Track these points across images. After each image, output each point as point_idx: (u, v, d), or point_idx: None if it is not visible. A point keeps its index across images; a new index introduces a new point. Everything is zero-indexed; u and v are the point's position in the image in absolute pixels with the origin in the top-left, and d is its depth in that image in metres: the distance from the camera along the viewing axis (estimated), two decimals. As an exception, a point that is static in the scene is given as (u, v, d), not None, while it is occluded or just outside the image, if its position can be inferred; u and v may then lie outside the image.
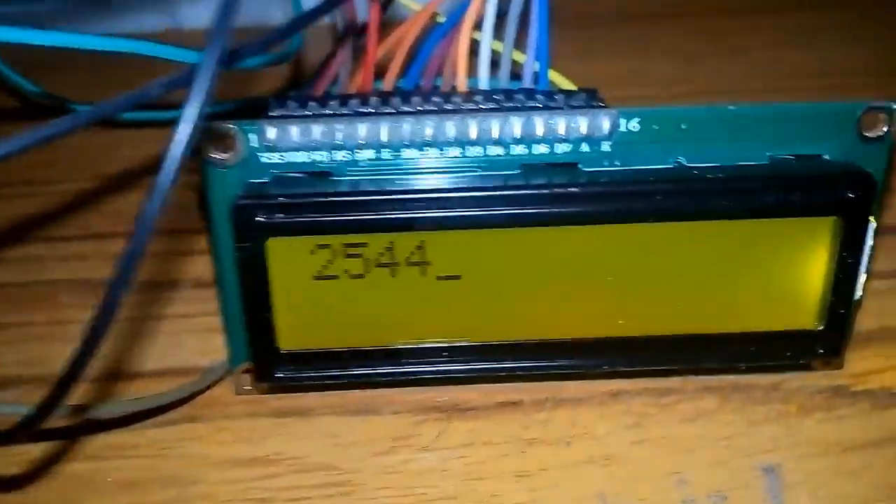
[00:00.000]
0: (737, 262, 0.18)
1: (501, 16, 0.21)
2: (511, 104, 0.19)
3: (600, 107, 0.19)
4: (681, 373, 0.20)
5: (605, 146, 0.18)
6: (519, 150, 0.18)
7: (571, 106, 0.19)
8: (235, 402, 0.20)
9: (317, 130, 0.17)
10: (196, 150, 0.17)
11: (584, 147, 0.18)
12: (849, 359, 0.20)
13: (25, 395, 0.20)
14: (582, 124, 0.18)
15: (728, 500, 0.17)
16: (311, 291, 0.18)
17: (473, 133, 0.18)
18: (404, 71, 0.22)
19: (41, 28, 0.17)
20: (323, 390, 0.20)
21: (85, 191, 0.29)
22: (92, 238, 0.26)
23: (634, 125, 0.18)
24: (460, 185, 0.17)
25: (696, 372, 0.20)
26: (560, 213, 0.17)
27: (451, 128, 0.18)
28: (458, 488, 0.18)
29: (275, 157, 0.18)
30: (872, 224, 0.18)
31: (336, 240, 0.17)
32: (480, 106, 0.19)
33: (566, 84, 0.23)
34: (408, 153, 0.18)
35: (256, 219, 0.17)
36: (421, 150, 0.18)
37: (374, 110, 0.19)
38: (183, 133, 0.11)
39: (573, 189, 0.17)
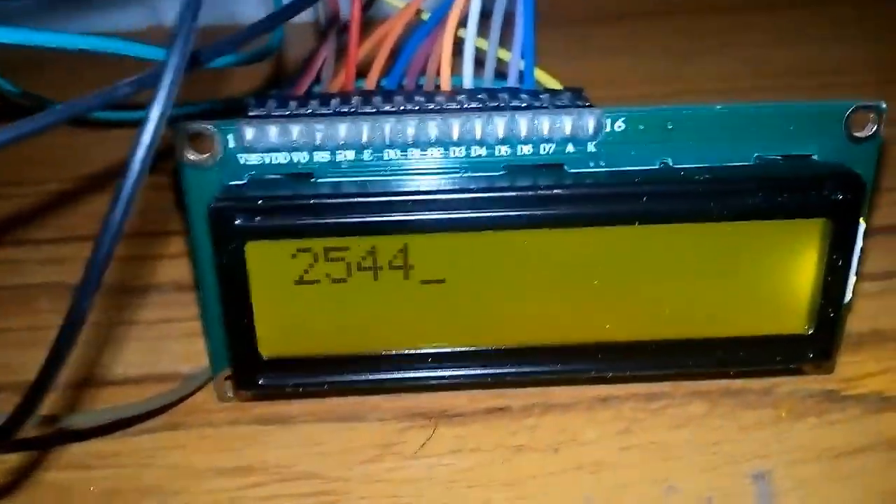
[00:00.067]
0: (725, 265, 0.18)
1: (487, 14, 0.21)
2: (495, 104, 0.19)
3: (585, 106, 0.19)
4: (669, 378, 0.20)
5: (591, 146, 0.18)
6: (503, 150, 0.18)
7: (556, 105, 0.19)
8: (218, 409, 0.20)
9: (296, 131, 0.17)
10: (171, 152, 0.17)
11: (570, 147, 0.18)
12: (840, 362, 0.20)
13: (4, 402, 0.20)
14: (566, 124, 0.17)
15: (718, 507, 0.17)
16: (292, 296, 0.18)
17: (456, 133, 0.17)
18: (388, 69, 0.22)
19: (13, 25, 0.16)
20: (307, 397, 0.20)
21: (63, 192, 0.29)
22: (71, 241, 0.26)
23: (620, 125, 0.17)
24: (444, 187, 0.17)
25: (685, 377, 0.20)
26: (545, 216, 0.17)
27: (433, 128, 0.17)
28: (445, 496, 0.17)
29: (253, 159, 0.17)
30: (862, 225, 0.17)
31: (317, 243, 0.17)
32: (464, 105, 0.19)
33: (552, 83, 0.23)
34: (390, 154, 0.17)
35: (235, 222, 0.17)
36: (403, 150, 0.17)
37: (355, 110, 0.19)
38: (147, 135, 0.11)
39: (558, 191, 0.17)
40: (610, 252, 0.18)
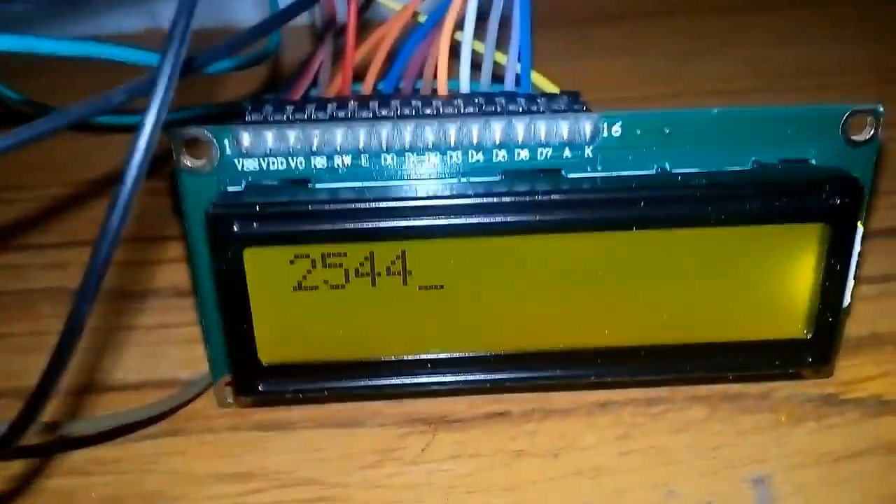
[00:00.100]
0: (723, 269, 0.18)
1: (484, 16, 0.21)
2: (492, 108, 0.19)
3: (582, 111, 0.19)
4: (668, 382, 0.20)
5: (588, 151, 0.18)
6: (500, 155, 0.17)
7: (553, 110, 0.19)
8: (218, 415, 0.20)
9: (293, 136, 0.17)
10: (169, 156, 0.17)
11: (567, 152, 0.18)
12: (839, 366, 0.20)
13: (5, 408, 0.20)
14: (563, 129, 0.17)
15: (717, 511, 0.17)
16: (291, 302, 0.18)
17: (453, 139, 0.17)
18: (384, 72, 0.22)
19: (10, 32, 0.16)
20: (306, 403, 0.20)
21: (65, 197, 0.29)
22: (72, 245, 0.26)
23: (617, 129, 0.17)
24: (441, 193, 0.17)
25: (684, 381, 0.20)
26: (543, 221, 0.17)
27: (430, 133, 0.17)
28: (445, 502, 0.17)
29: (251, 164, 0.17)
30: (860, 230, 0.17)
31: (315, 249, 0.17)
32: (461, 110, 0.19)
33: (549, 86, 0.23)
34: (387, 159, 0.17)
35: (233, 228, 0.17)
36: (400, 156, 0.17)
37: (352, 115, 0.19)
38: (142, 142, 0.11)
39: (556, 196, 0.17)
40: (608, 257, 0.17)
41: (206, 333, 0.19)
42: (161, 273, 0.24)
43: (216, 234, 0.17)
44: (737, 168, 0.18)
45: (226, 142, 0.17)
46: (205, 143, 0.17)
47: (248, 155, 0.17)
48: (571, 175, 0.18)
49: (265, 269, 0.17)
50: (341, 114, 0.19)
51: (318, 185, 0.17)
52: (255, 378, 0.18)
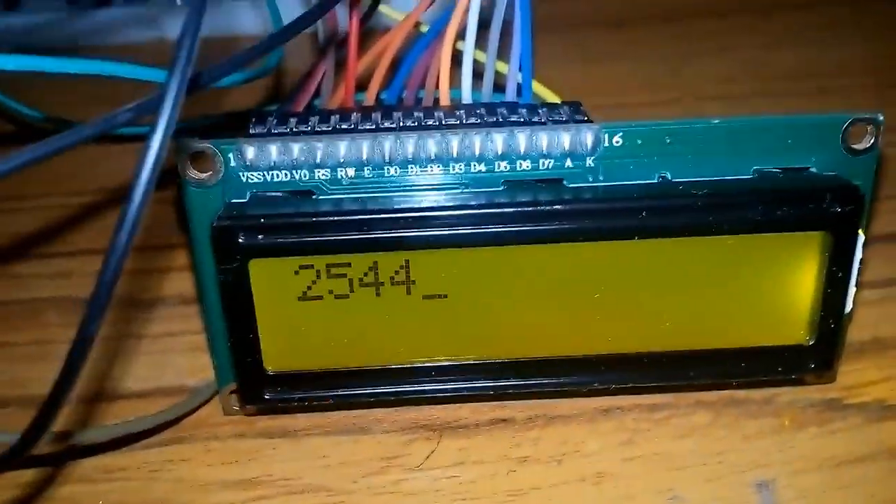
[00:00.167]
0: (725, 278, 0.18)
1: (486, 25, 0.21)
2: (493, 119, 0.19)
3: (583, 121, 0.19)
4: (671, 389, 0.20)
5: (589, 161, 0.18)
6: (502, 166, 0.18)
7: (554, 120, 0.19)
8: (223, 423, 0.20)
9: (296, 149, 0.17)
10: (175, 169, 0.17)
11: (568, 162, 0.18)
12: (841, 371, 0.20)
13: (11, 417, 0.20)
14: (565, 139, 0.17)
15: (721, 517, 0.17)
16: (296, 312, 0.18)
17: (455, 150, 0.17)
18: (387, 82, 0.22)
19: (20, 44, 0.16)
20: (312, 411, 0.20)
21: (71, 206, 0.29)
22: (78, 255, 0.26)
23: (618, 140, 0.17)
24: (444, 203, 0.17)
25: (688, 387, 0.20)
26: (545, 231, 0.17)
27: (432, 145, 0.17)
28: (450, 509, 0.18)
29: (255, 177, 0.17)
30: (861, 237, 0.17)
31: (319, 260, 0.17)
32: (463, 121, 0.19)
33: (550, 96, 0.23)
34: (390, 171, 0.18)
35: (238, 240, 0.17)
36: (403, 167, 0.18)
37: (354, 126, 0.19)
38: (150, 158, 0.11)
39: (558, 206, 0.17)
40: (610, 266, 0.18)
41: (211, 342, 0.19)
42: (167, 281, 0.24)
43: (221, 246, 0.17)
44: (738, 177, 0.18)
45: (230, 155, 0.17)
46: (210, 157, 0.17)
47: (252, 168, 0.17)
48: (573, 185, 0.18)
49: (270, 279, 0.17)
50: (344, 125, 0.19)
51: (321, 197, 0.18)
52: (260, 387, 0.18)
